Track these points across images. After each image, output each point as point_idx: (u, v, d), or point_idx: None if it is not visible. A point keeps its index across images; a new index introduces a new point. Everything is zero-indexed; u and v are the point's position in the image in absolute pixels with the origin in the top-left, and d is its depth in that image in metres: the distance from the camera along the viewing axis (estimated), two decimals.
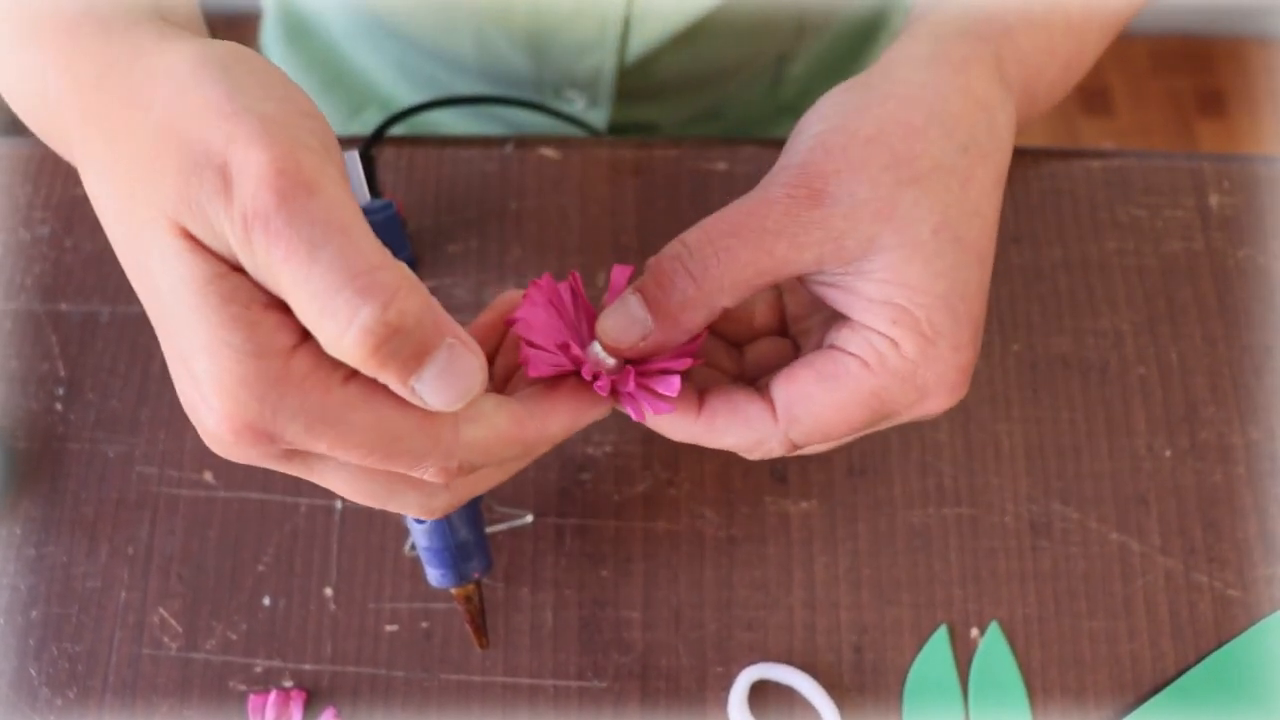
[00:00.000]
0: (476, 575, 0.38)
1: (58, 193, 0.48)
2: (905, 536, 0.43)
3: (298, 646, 0.42)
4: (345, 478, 0.28)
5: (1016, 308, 0.47)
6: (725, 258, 0.29)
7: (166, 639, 0.42)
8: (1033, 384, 0.46)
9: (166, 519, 0.43)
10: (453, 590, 0.38)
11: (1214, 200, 0.49)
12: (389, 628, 0.42)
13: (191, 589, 0.42)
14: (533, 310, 0.30)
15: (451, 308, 0.44)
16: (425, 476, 0.27)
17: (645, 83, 0.57)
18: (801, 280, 0.31)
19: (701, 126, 0.64)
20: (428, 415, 0.26)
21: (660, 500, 0.44)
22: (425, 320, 0.24)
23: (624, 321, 0.30)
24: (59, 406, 0.45)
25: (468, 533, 0.37)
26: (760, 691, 0.41)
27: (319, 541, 0.43)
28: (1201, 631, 0.42)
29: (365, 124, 0.65)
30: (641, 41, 0.54)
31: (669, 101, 0.61)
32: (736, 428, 0.31)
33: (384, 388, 0.25)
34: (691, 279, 0.29)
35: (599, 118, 0.60)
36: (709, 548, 0.43)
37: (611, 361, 0.30)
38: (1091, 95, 1.49)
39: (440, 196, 0.48)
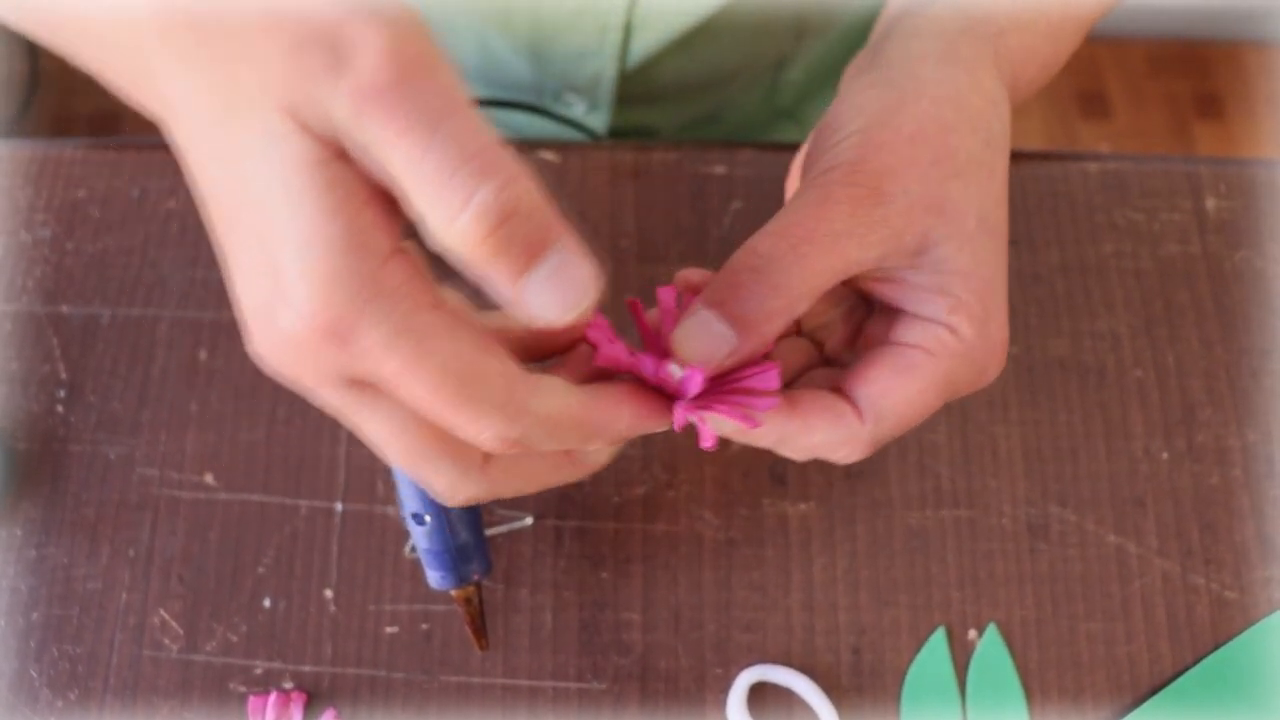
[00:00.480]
0: (476, 577, 0.38)
1: (59, 195, 0.48)
2: (903, 538, 0.43)
3: (298, 648, 0.42)
4: (393, 425, 0.27)
5: (1014, 310, 0.47)
6: (804, 265, 0.29)
7: (167, 640, 0.42)
8: (1030, 386, 0.46)
9: (167, 521, 0.43)
10: (453, 592, 0.39)
11: (1211, 204, 0.49)
12: (389, 629, 0.42)
13: (192, 590, 0.42)
14: (610, 349, 0.29)
15: None
16: (480, 439, 0.26)
17: (645, 87, 0.58)
18: (854, 278, 0.31)
19: (700, 131, 0.65)
20: (508, 362, 0.25)
21: (659, 502, 0.44)
22: (542, 209, 0.23)
23: (706, 338, 0.29)
24: (60, 408, 0.45)
25: (468, 535, 0.38)
26: (759, 693, 0.41)
27: (319, 543, 0.43)
28: (1199, 633, 0.42)
29: None
30: (642, 47, 0.54)
31: (668, 106, 0.61)
32: (830, 425, 0.31)
33: (470, 325, 0.25)
34: (773, 289, 0.29)
35: (599, 122, 0.60)
36: (708, 549, 0.43)
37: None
38: (1089, 98, 1.49)
39: None
